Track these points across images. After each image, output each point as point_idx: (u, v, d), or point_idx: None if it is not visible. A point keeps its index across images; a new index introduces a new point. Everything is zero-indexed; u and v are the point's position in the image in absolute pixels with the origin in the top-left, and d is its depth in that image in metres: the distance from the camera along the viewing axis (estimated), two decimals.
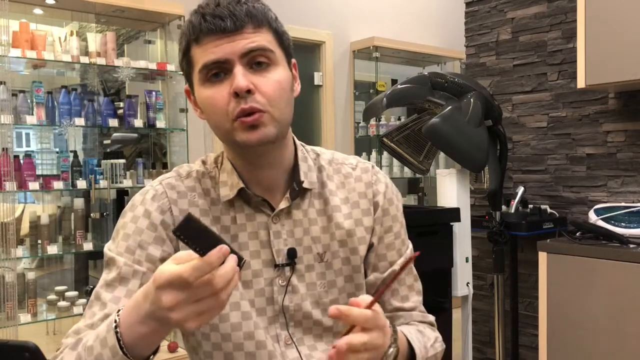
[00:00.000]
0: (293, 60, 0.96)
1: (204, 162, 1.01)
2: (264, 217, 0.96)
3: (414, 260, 0.82)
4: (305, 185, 0.97)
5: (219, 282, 0.67)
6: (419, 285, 1.06)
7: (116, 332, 0.73)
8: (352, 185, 1.02)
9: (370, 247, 1.01)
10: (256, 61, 0.88)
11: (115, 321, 0.74)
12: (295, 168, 0.98)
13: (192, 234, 0.68)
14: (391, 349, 0.83)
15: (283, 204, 0.96)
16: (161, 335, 0.73)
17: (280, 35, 0.92)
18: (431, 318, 1.06)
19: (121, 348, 0.73)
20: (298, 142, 1.02)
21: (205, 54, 0.87)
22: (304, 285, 0.96)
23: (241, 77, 0.86)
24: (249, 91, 0.86)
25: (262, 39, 0.88)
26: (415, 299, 1.05)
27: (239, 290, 0.94)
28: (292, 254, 0.96)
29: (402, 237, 1.05)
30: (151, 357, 0.77)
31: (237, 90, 0.86)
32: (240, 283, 0.94)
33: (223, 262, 0.68)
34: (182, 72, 0.96)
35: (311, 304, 0.96)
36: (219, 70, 0.88)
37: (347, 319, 0.77)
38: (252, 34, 0.87)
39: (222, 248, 0.67)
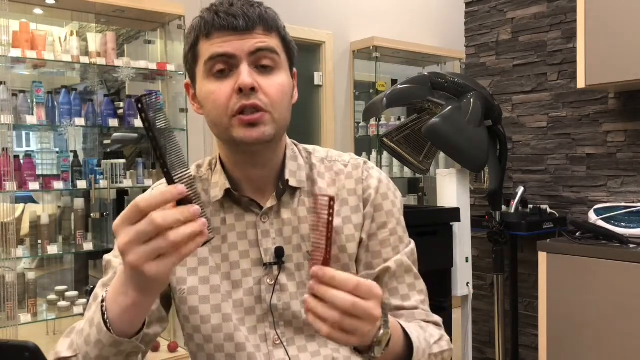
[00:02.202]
0: (294, 70, 0.99)
1: (199, 166, 1.03)
2: (253, 217, 0.97)
3: (332, 204, 0.67)
4: (292, 183, 0.97)
5: (157, 217, 0.65)
6: (420, 285, 1.01)
7: (102, 307, 0.75)
8: (342, 182, 1.00)
9: (360, 243, 0.99)
10: (262, 63, 0.90)
11: (103, 296, 0.76)
12: (282, 167, 0.98)
13: (155, 121, 0.66)
14: (381, 331, 0.73)
15: (270, 203, 0.96)
16: (141, 309, 0.73)
17: (287, 44, 0.95)
18: (436, 318, 1.01)
19: (105, 322, 0.74)
20: (289, 141, 1.02)
21: (212, 47, 0.89)
22: (294, 284, 0.96)
23: (247, 74, 0.87)
24: (253, 89, 0.87)
25: (271, 41, 0.91)
26: (417, 298, 0.99)
27: (221, 292, 0.95)
28: (279, 253, 0.96)
29: (398, 234, 1.01)
30: (134, 338, 0.77)
31: (241, 87, 0.87)
32: (230, 282, 0.95)
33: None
34: (185, 66, 0.97)
35: (301, 303, 0.95)
36: (224, 65, 0.89)
37: (331, 282, 0.67)
38: (262, 35, 0.90)
39: (178, 187, 0.66)
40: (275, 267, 0.96)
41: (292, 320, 0.96)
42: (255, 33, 0.89)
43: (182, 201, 0.67)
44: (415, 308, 0.99)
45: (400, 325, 0.84)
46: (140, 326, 0.77)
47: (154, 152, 0.67)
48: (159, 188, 0.65)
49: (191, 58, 0.93)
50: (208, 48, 0.90)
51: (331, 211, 0.67)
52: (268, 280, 0.95)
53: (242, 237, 0.96)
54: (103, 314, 0.75)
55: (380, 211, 1.00)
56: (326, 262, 0.68)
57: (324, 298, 0.67)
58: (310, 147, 1.05)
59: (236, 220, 0.97)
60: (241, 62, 0.88)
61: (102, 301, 0.75)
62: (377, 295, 0.70)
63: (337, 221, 0.97)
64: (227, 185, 0.96)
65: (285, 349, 0.95)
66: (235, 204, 0.97)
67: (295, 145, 1.03)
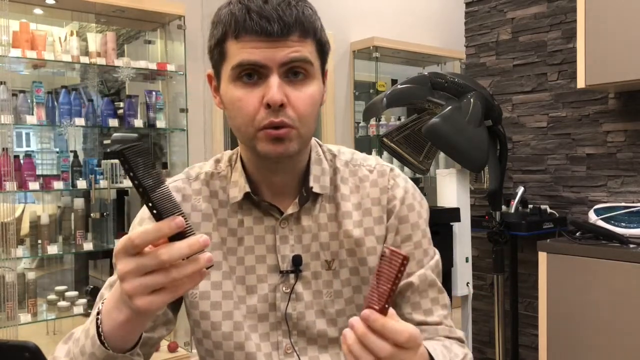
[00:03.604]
0: (326, 68, 0.91)
1: (217, 161, 0.99)
2: (272, 221, 0.93)
3: (404, 263, 0.65)
4: (315, 190, 0.93)
5: (163, 253, 0.63)
6: (444, 299, 0.97)
7: (97, 319, 0.73)
8: (366, 190, 0.96)
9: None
10: (293, 71, 0.84)
11: (99, 308, 0.74)
12: (306, 172, 0.94)
13: (141, 169, 0.62)
14: None
15: (291, 210, 0.93)
16: (135, 326, 0.71)
17: (322, 46, 0.88)
18: (460, 334, 0.97)
19: (99, 336, 0.72)
20: (313, 142, 0.96)
21: (242, 52, 0.82)
22: (310, 293, 0.93)
23: (276, 89, 0.81)
24: (281, 105, 0.82)
25: (306, 50, 0.84)
26: (440, 313, 0.95)
27: (233, 299, 0.92)
28: (297, 261, 0.92)
29: (423, 247, 0.97)
30: (129, 353, 0.75)
31: (270, 103, 0.82)
32: (244, 287, 0.93)
33: (181, 237, 0.64)
34: (210, 59, 0.90)
35: (316, 312, 0.93)
36: (252, 72, 0.83)
37: (382, 331, 0.65)
38: (297, 43, 0.83)
39: (176, 219, 0.63)
40: (292, 276, 0.92)
41: (306, 331, 0.93)
42: (290, 40, 0.82)
43: (178, 234, 0.64)
44: (439, 324, 0.95)
45: (426, 349, 0.82)
46: (134, 342, 0.75)
47: (141, 196, 0.64)
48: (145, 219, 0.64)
49: (217, 55, 0.87)
50: (236, 51, 0.83)
51: (402, 269, 0.65)
52: (284, 288, 0.93)
53: (260, 242, 0.93)
54: (98, 327, 0.73)
55: (405, 223, 0.96)
56: (382, 312, 0.66)
57: (363, 342, 0.66)
58: (334, 149, 1.00)
59: (255, 223, 0.93)
60: (271, 73, 0.82)
61: (98, 313, 0.73)
62: (420, 344, 0.70)
63: (358, 232, 0.94)
64: (247, 189, 0.92)
65: (299, 358, 0.93)
66: (254, 207, 0.94)
67: (320, 146, 0.98)
